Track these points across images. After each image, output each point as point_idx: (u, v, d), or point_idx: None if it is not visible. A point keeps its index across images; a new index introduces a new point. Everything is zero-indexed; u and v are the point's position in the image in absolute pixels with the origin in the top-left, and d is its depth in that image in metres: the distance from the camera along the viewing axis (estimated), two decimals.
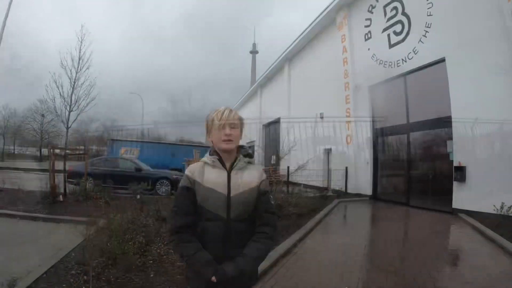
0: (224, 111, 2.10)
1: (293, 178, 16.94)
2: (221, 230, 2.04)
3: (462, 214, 10.76)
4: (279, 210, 9.91)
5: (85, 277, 4.60)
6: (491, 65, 10.13)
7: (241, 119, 2.19)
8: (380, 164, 15.84)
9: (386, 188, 15.68)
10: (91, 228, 5.37)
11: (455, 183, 11.21)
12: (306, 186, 18.12)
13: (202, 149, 31.96)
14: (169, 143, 34.57)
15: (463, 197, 10.99)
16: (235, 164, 2.13)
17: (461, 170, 10.97)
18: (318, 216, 10.51)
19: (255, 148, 32.35)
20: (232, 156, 2.15)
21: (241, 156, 2.17)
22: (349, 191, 16.73)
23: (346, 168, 17.05)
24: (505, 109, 9.76)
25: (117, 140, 30.32)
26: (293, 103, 25.74)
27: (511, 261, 6.49)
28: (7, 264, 5.26)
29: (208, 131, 2.17)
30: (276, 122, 28.68)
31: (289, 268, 5.73)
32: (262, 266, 5.43)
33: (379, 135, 15.77)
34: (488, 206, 9.77)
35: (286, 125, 24.27)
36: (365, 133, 16.26)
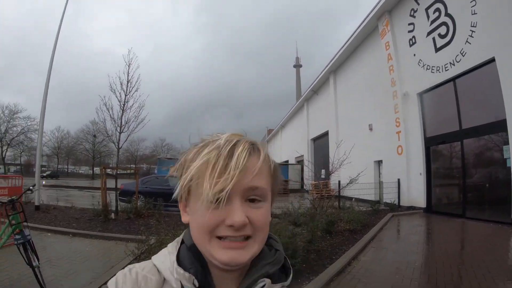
0: (230, 147, 0.76)
1: (344, 192, 16.58)
2: None
3: None
4: (331, 226, 9.76)
5: None
6: None
7: (274, 166, 0.86)
8: (434, 174, 15.07)
9: (441, 199, 14.83)
10: (142, 247, 5.45)
11: None
12: (357, 200, 17.71)
13: None
14: None
15: None
16: None
17: None
18: (371, 232, 10.17)
19: (305, 163, 32.10)
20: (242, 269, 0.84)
21: (265, 269, 0.85)
22: (402, 204, 16.06)
23: (398, 180, 16.42)
24: None
25: (165, 159, 31.32)
26: (341, 115, 25.33)
27: None
28: (59, 281, 5.53)
29: (181, 193, 0.83)
30: (325, 135, 28.38)
31: None
32: (316, 286, 5.42)
33: (431, 144, 15.06)
34: None
35: (335, 138, 24.02)
36: (416, 143, 15.61)
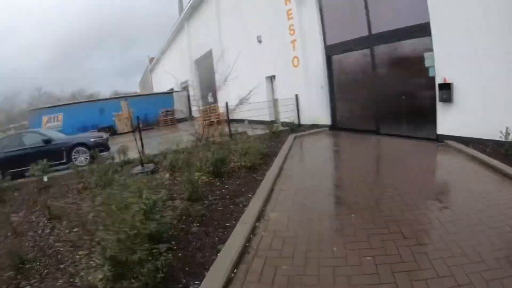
0: None
1: (235, 115, 13.78)
2: None
3: (451, 141, 8.16)
4: (222, 165, 6.74)
5: None
6: None
7: None
8: (338, 87, 12.65)
9: (349, 115, 12.60)
10: None
11: (439, 105, 8.51)
12: (251, 122, 15.06)
13: (131, 99, 27.63)
14: (94, 100, 29.85)
15: (451, 121, 8.36)
16: None
17: (447, 87, 8.17)
18: (275, 165, 7.43)
19: (190, 88, 28.51)
20: None
21: None
22: (303, 122, 13.64)
23: (296, 95, 13.78)
24: (504, 14, 6.85)
25: (37, 109, 25.54)
26: (224, 30, 21.42)
27: None
28: None
29: None
30: (208, 55, 24.55)
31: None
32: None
33: (334, 53, 12.46)
34: (485, 131, 7.36)
35: (219, 56, 20.63)
36: (315, 52, 12.90)
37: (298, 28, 13.44)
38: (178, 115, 27.78)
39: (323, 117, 12.89)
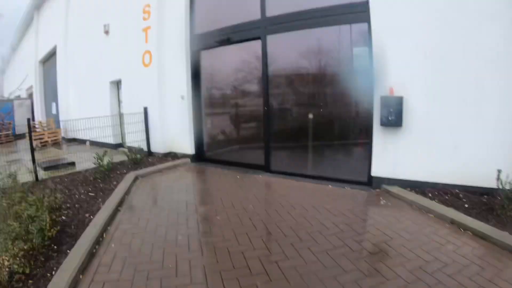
0: None
1: (76, 134, 11.35)
2: None
3: (395, 187, 4.72)
4: None
5: None
6: None
7: None
8: (207, 98, 8.23)
9: (222, 140, 8.19)
10: None
11: (379, 129, 4.94)
12: (94, 143, 10.19)
13: None
14: None
15: (398, 157, 4.83)
16: None
17: (395, 103, 4.62)
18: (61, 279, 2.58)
19: (35, 94, 22.02)
20: None
21: None
22: (155, 149, 8.82)
23: (145, 109, 8.92)
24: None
25: None
26: (72, 21, 15.69)
27: None
28: None
29: None
30: (53, 53, 18.37)
31: None
32: None
33: (204, 46, 8.05)
34: (459, 174, 4.35)
35: (64, 55, 15.22)
36: (176, 44, 8.36)
37: (155, 9, 8.76)
38: (19, 130, 20.68)
39: (184, 143, 8.26)
